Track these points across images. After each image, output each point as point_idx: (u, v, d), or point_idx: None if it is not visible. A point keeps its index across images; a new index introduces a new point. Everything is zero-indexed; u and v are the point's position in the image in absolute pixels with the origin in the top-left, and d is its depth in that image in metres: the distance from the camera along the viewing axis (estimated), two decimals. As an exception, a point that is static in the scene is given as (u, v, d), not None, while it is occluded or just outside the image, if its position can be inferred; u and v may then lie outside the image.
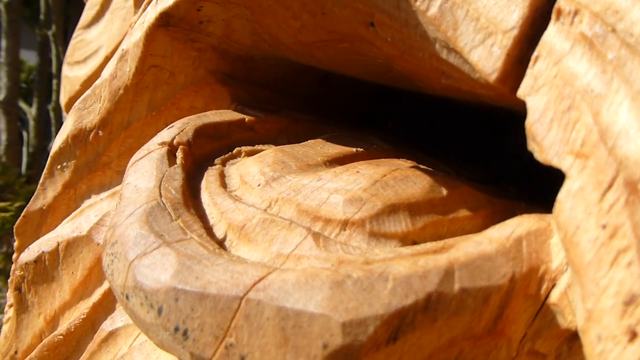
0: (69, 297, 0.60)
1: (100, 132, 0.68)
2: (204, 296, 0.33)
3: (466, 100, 0.61)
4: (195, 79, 0.68)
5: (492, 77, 0.33)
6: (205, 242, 0.38)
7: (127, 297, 0.37)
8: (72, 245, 0.60)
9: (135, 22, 0.69)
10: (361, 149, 0.58)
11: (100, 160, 0.70)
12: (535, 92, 0.32)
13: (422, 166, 0.49)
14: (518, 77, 0.35)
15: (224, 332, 0.32)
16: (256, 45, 0.65)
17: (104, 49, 1.15)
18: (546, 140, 0.31)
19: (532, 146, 0.32)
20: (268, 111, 0.67)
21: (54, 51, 4.41)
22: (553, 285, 0.33)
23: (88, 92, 0.69)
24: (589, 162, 0.28)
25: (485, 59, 0.33)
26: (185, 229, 0.39)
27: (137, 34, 0.64)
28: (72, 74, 1.25)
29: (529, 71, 0.32)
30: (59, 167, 0.71)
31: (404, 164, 0.48)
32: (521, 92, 0.33)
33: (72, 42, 1.29)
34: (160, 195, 0.43)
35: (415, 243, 0.40)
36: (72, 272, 0.60)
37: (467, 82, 0.40)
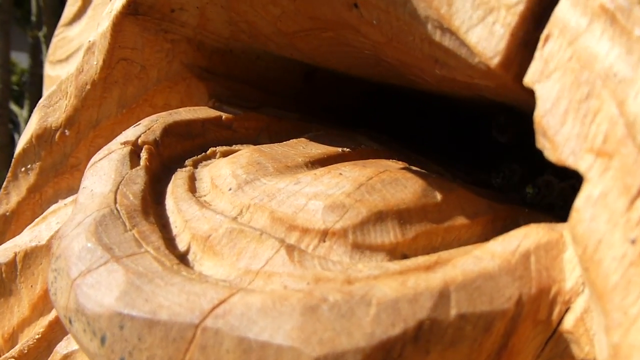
0: (28, 312, 0.55)
1: (66, 131, 0.63)
2: (154, 323, 0.28)
3: (463, 96, 0.56)
4: (170, 74, 0.62)
5: (494, 62, 0.28)
6: (162, 256, 0.33)
7: (70, 322, 0.32)
8: (31, 255, 0.55)
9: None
10: (347, 149, 0.52)
11: (67, 162, 0.65)
12: (545, 78, 0.27)
13: (413, 168, 0.44)
14: (524, 61, 0.30)
15: (176, 367, 0.27)
16: (234, 36, 0.60)
17: (83, 46, 1.09)
18: (559, 136, 0.26)
19: (541, 143, 0.27)
20: (248, 108, 0.62)
21: (45, 53, 4.34)
22: (567, 309, 0.28)
23: (53, 88, 0.64)
24: (614, 162, 0.23)
25: (486, 39, 0.28)
26: (140, 240, 0.34)
27: (105, 24, 0.59)
28: (54, 74, 1.19)
29: (537, 53, 0.27)
30: (23, 169, 0.66)
31: (394, 165, 0.43)
32: (529, 79, 0.27)
33: (54, 40, 1.24)
34: (115, 202, 0.37)
35: (405, 256, 0.35)
36: (31, 286, 0.54)
37: (463, 71, 0.35)
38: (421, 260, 0.33)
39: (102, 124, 0.63)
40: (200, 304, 0.28)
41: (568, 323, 0.28)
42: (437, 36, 0.31)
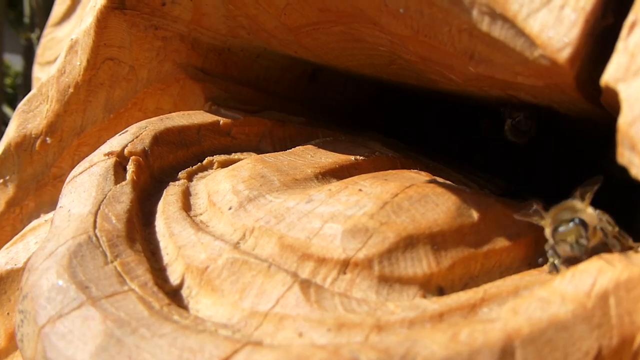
0: (5, 343, 0.49)
1: (48, 139, 0.57)
2: (137, 389, 0.22)
3: (485, 96, 0.51)
4: (161, 75, 0.57)
5: (563, 55, 0.23)
6: (149, 295, 0.27)
7: (37, 377, 0.26)
8: (7, 280, 0.49)
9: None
10: (361, 158, 0.47)
11: (49, 172, 0.59)
12: (633, 76, 0.21)
13: (440, 180, 0.38)
14: (591, 55, 0.24)
15: None
16: (233, 32, 0.54)
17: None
18: (656, 150, 0.20)
19: (627, 158, 0.21)
20: (248, 112, 0.56)
21: (37, 54, 4.27)
22: (655, 363, 0.22)
23: (33, 91, 0.58)
24: None
25: (552, 27, 0.23)
26: (123, 275, 0.28)
27: (88, 20, 0.53)
28: (43, 76, 1.14)
29: (620, 45, 0.22)
30: (1, 181, 0.60)
31: (418, 177, 0.38)
32: (609, 77, 0.22)
33: (43, 41, 1.18)
34: (95, 226, 0.31)
35: (441, 289, 0.29)
36: (8, 313, 0.48)
37: (510, 68, 0.30)
38: (464, 297, 0.27)
39: (87, 130, 0.57)
40: (196, 364, 0.22)
41: (657, 381, 0.22)
42: (485, 25, 0.26)
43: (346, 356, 0.21)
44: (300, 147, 0.49)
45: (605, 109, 0.33)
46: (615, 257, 0.24)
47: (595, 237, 0.27)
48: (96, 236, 0.31)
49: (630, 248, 0.27)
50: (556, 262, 0.27)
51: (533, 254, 0.34)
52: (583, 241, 0.26)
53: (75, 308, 0.26)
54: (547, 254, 0.29)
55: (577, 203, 0.28)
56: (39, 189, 0.59)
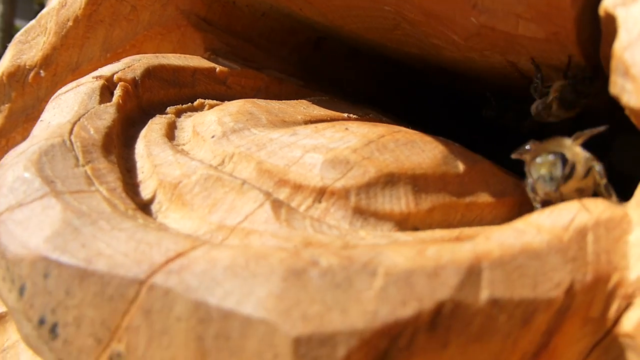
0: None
1: (42, 71, 0.56)
2: (87, 274, 0.21)
3: (488, 68, 0.50)
4: (163, 19, 0.56)
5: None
6: (115, 198, 0.26)
7: (-9, 268, 0.25)
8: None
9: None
10: (354, 116, 0.46)
11: (40, 106, 0.58)
12: (632, 1, 0.20)
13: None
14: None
15: (110, 334, 0.20)
16: (240, -18, 0.53)
17: None
18: (650, 74, 0.19)
19: (619, 85, 0.20)
20: (248, 67, 0.55)
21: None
22: (627, 306, 0.22)
23: (32, 22, 0.57)
24: None
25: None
26: (92, 178, 0.27)
27: (94, -47, 0.52)
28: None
29: (624, -31, 0.21)
30: (-10, 110, 0.59)
31: (410, 130, 0.37)
32: (609, 2, 0.21)
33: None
34: (71, 133, 0.31)
35: (416, 230, 0.28)
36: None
37: (508, 12, 0.29)
38: (439, 234, 0.26)
39: (83, 67, 0.56)
40: (152, 255, 0.21)
41: (628, 324, 0.21)
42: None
43: (306, 258, 0.20)
44: (294, 100, 0.48)
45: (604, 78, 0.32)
46: (598, 200, 0.24)
47: (576, 179, 0.25)
48: (70, 141, 0.30)
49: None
50: (535, 203, 0.26)
51: (516, 215, 0.33)
52: (557, 173, 0.25)
53: (37, 198, 0.25)
54: (529, 194, 0.27)
55: (567, 140, 0.27)
56: (27, 122, 0.58)
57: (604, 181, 0.26)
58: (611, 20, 0.21)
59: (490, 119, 0.58)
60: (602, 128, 0.26)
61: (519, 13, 0.28)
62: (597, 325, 0.22)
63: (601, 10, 0.22)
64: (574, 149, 0.26)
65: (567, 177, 0.25)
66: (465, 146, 0.39)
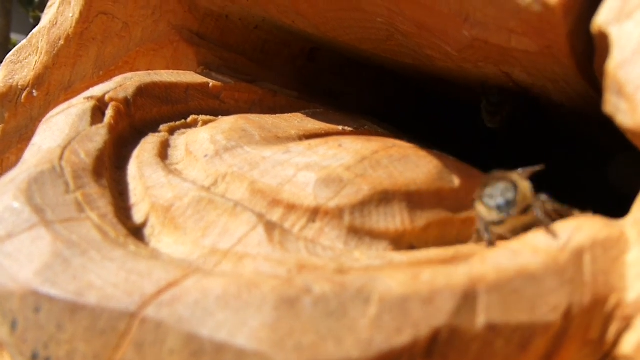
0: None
1: (34, 91, 0.56)
2: (78, 308, 0.21)
3: (483, 78, 0.49)
4: (155, 35, 0.56)
5: (555, -3, 0.22)
6: (107, 225, 0.26)
7: (-18, 299, 0.25)
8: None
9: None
10: (349, 128, 0.46)
11: (33, 126, 0.58)
12: (626, 18, 0.20)
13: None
14: (582, 10, 0.23)
15: (103, 368, 0.20)
16: (231, -4, 0.53)
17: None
18: (643, 92, 0.19)
19: (613, 104, 0.20)
20: (241, 81, 0.55)
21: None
22: (626, 327, 0.21)
23: (23, 42, 0.57)
24: None
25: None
26: (83, 204, 0.27)
27: (84, -29, 0.52)
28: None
29: (614, -14, 0.21)
30: (-17, 132, 0.59)
31: (404, 144, 0.36)
32: (602, 20, 0.21)
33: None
34: (61, 158, 0.30)
35: (412, 248, 0.28)
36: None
37: (501, 26, 0.28)
38: (434, 253, 0.26)
39: (76, 86, 0.56)
40: (143, 286, 0.21)
41: (627, 346, 0.21)
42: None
43: (299, 285, 0.19)
44: (289, 114, 0.48)
45: (598, 93, 0.32)
46: (595, 218, 0.23)
47: (523, 209, 0.24)
48: (60, 166, 0.29)
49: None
50: (486, 236, 0.25)
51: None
52: (510, 196, 0.24)
53: (27, 229, 0.24)
54: (480, 233, 0.26)
55: (513, 174, 0.26)
56: (21, 143, 0.58)
57: (556, 205, 0.25)
58: (604, 37, 0.21)
59: (490, 109, 0.55)
60: (539, 167, 0.27)
61: (511, 28, 0.28)
62: (595, 347, 0.21)
63: (594, 28, 0.21)
64: (521, 182, 0.25)
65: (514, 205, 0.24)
66: (461, 155, 0.39)
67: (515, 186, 0.24)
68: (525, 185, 0.25)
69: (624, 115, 0.20)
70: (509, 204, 0.24)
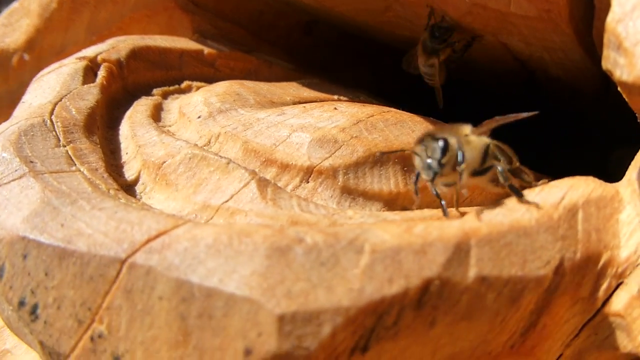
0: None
1: (25, 55, 0.55)
2: (67, 254, 0.21)
3: (476, 55, 0.49)
4: (150, 1, 0.55)
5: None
6: (97, 178, 0.26)
7: (-30, 250, 0.25)
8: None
9: None
10: (345, 98, 0.45)
11: (24, 90, 0.57)
12: (627, -28, 0.19)
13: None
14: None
15: (91, 315, 0.20)
16: (227, -38, 0.52)
17: None
18: (642, 46, 0.19)
19: (612, 59, 0.20)
20: (237, 50, 0.54)
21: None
22: (618, 285, 0.21)
23: (15, 4, 0.56)
24: None
25: None
26: (73, 158, 0.27)
27: None
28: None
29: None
30: (-26, 95, 0.58)
31: (400, 110, 0.36)
32: (602, -26, 0.20)
33: None
34: (52, 113, 0.30)
35: (406, 210, 0.28)
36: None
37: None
38: (427, 213, 0.26)
39: (68, 50, 0.55)
40: (132, 234, 0.20)
41: (618, 303, 0.21)
42: None
43: (291, 235, 0.19)
44: (284, 82, 0.47)
45: (595, 64, 0.31)
46: (589, 178, 0.23)
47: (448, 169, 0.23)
48: (51, 120, 0.29)
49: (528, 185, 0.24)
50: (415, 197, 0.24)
51: (507, 195, 0.33)
52: (432, 163, 0.22)
53: (16, 178, 0.24)
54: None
55: (466, 128, 0.25)
56: (12, 107, 0.57)
57: (516, 165, 0.25)
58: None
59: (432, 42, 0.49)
60: (513, 116, 0.25)
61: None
62: (586, 304, 0.21)
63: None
64: (472, 137, 0.24)
65: (443, 165, 0.22)
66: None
67: (445, 145, 0.23)
68: (474, 141, 0.24)
69: (622, 70, 0.19)
70: (434, 165, 0.22)
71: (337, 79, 0.68)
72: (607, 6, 0.22)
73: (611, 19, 0.20)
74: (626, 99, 0.22)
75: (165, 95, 0.42)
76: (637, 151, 0.26)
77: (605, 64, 0.20)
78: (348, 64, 0.73)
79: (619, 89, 0.22)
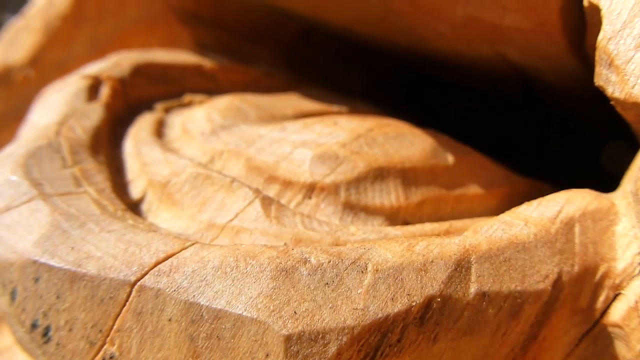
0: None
1: (30, 71, 0.56)
2: (78, 277, 0.21)
3: (475, 59, 0.50)
4: (150, 14, 0.55)
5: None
6: (105, 199, 0.26)
7: (-18, 272, 0.25)
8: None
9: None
10: (345, 108, 0.46)
11: (29, 105, 0.58)
12: (617, -8, 0.20)
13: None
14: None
15: (103, 337, 0.21)
16: (226, -24, 0.53)
17: None
18: (632, 64, 0.19)
19: (604, 77, 0.20)
20: (237, 62, 0.55)
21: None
22: (616, 296, 0.22)
23: (20, 22, 0.56)
24: None
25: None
26: (81, 179, 0.27)
27: (78, -50, 0.51)
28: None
29: (608, -39, 0.21)
30: (-22, 111, 0.58)
31: (399, 122, 0.37)
32: (593, -7, 0.21)
33: None
34: (58, 134, 0.30)
35: (407, 223, 0.29)
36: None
37: (493, 5, 0.29)
38: (429, 227, 0.26)
39: (71, 65, 0.56)
40: (141, 256, 0.21)
41: (616, 314, 0.22)
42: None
43: (296, 256, 0.20)
44: (283, 94, 0.48)
45: (590, 71, 0.32)
46: (585, 191, 0.24)
47: None
48: (57, 142, 0.30)
49: None
50: None
51: (505, 206, 0.33)
52: None
53: (25, 202, 0.25)
54: None
55: None
56: (17, 122, 0.58)
57: None
58: (595, 11, 0.21)
59: None
60: None
61: (504, 4, 0.28)
62: (585, 316, 0.22)
63: (585, 1, 0.22)
64: None
65: None
66: (455, 136, 0.40)
67: None
68: None
69: (614, 87, 0.20)
70: None
71: (336, 87, 0.69)
72: (597, 21, 0.22)
73: (602, 37, 0.20)
74: (620, 113, 0.23)
75: (167, 110, 0.42)
76: (631, 144, 0.26)
77: (598, 81, 0.21)
78: (346, 71, 0.74)
79: (611, 103, 0.22)
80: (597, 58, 0.21)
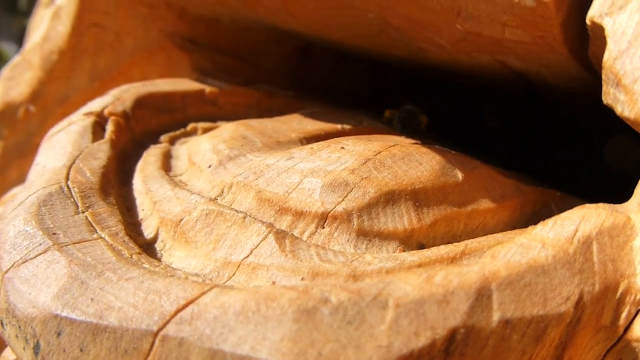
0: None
1: (31, 107, 0.56)
2: (100, 329, 0.21)
3: (476, 67, 0.50)
4: (147, 43, 0.56)
5: (549, -8, 0.22)
6: (119, 244, 0.26)
7: (2, 324, 0.25)
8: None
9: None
10: (348, 127, 0.46)
11: (32, 141, 0.58)
12: (619, 10, 0.20)
13: (426, 145, 0.37)
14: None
15: (128, 388, 0.20)
16: (221, 0, 0.53)
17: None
18: (641, 84, 0.19)
19: (612, 96, 0.20)
20: (236, 83, 0.55)
21: (31, 41, 4.22)
22: (638, 312, 0.22)
23: (17, 58, 0.57)
24: None
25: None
26: (93, 224, 0.27)
27: (72, -15, 0.52)
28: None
29: (607, -21, 0.21)
30: (-17, 150, 0.59)
31: (404, 140, 0.37)
32: (595, 12, 0.21)
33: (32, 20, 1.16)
34: (67, 178, 0.31)
35: (422, 246, 0.28)
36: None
37: (494, 20, 0.29)
38: (444, 250, 0.26)
39: (72, 99, 0.56)
40: (161, 305, 0.21)
41: (639, 329, 0.21)
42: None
43: (316, 296, 0.20)
44: (286, 115, 0.48)
45: (592, 74, 0.32)
46: (599, 206, 0.24)
47: None
48: (68, 187, 0.30)
49: None
50: None
51: (518, 217, 0.33)
52: None
53: (41, 253, 0.25)
54: None
55: None
56: (21, 158, 0.58)
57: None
58: (599, 29, 0.21)
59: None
60: None
61: (504, 21, 0.28)
62: (608, 332, 0.22)
63: (588, 20, 0.22)
64: None
65: None
66: (461, 144, 0.40)
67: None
68: None
69: (623, 106, 0.20)
70: None
71: (337, 100, 0.69)
72: (601, 37, 0.22)
73: (608, 56, 0.20)
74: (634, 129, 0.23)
75: (172, 141, 0.42)
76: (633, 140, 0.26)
77: (606, 99, 0.21)
78: (347, 84, 0.74)
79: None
80: (604, 77, 0.21)
